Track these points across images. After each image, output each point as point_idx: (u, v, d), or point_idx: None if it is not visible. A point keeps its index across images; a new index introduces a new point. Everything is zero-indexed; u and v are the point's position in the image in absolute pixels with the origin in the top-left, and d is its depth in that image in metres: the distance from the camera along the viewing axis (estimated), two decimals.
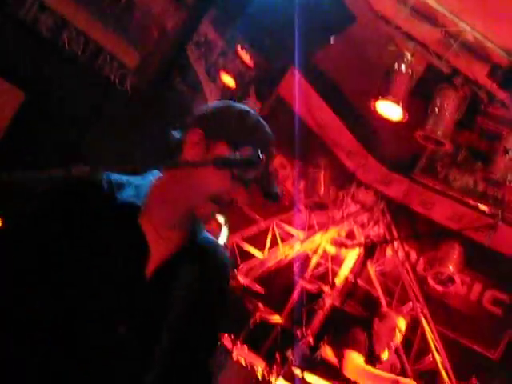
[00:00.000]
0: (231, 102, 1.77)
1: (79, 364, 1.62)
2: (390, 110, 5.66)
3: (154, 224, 1.69)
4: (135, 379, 1.71)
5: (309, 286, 5.69)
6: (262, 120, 1.71)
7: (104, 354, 1.66)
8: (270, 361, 5.05)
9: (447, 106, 5.57)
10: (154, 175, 1.73)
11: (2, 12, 3.78)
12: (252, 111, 1.70)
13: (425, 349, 6.09)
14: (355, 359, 5.05)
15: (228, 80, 5.79)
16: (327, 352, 5.20)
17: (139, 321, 1.72)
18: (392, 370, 5.24)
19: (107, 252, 1.67)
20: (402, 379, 4.92)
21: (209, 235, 1.88)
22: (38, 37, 4.00)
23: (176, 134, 1.73)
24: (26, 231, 1.65)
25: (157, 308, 1.73)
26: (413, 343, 6.12)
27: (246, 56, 5.75)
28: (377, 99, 5.59)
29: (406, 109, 5.53)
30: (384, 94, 5.55)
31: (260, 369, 4.88)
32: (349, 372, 5.02)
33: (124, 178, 1.73)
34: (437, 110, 5.60)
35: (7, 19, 3.81)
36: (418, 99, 5.81)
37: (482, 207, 6.35)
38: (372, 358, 5.10)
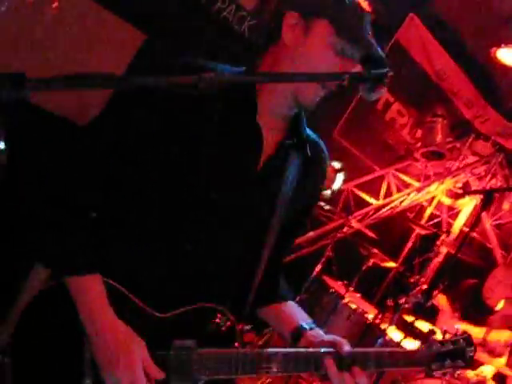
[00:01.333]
0: None
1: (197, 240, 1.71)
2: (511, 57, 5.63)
3: (264, 115, 1.72)
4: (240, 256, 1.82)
5: (424, 233, 5.60)
6: None
7: (216, 234, 1.75)
8: (381, 307, 5.12)
9: None
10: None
11: None
12: None
13: None
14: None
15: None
16: (441, 301, 5.18)
17: (245, 217, 1.79)
18: (504, 320, 5.12)
19: (226, 143, 1.72)
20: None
21: (310, 131, 1.92)
22: None
23: (271, 24, 1.72)
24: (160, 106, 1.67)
25: (263, 197, 1.80)
26: None
27: (363, 2, 5.58)
28: (498, 47, 5.52)
29: None
30: (506, 41, 5.46)
31: (371, 315, 4.99)
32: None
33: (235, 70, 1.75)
34: None
35: None
36: None
37: None
38: (480, 309, 5.17)
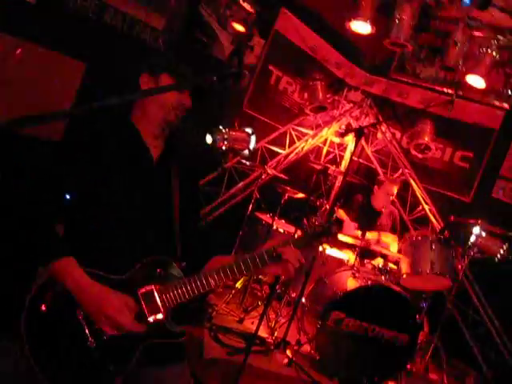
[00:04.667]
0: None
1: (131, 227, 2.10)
2: (361, 27, 6.41)
3: (148, 138, 2.23)
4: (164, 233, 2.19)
5: (320, 167, 6.33)
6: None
7: (140, 222, 2.13)
8: (300, 226, 5.39)
9: (405, 16, 6.23)
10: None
11: (54, 3, 4.08)
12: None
13: (416, 202, 7.07)
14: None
15: (237, 26, 6.48)
16: (340, 213, 6.13)
17: (154, 195, 2.19)
18: (390, 215, 6.35)
19: (125, 155, 2.15)
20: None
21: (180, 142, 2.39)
22: (86, 19, 4.41)
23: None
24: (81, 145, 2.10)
25: (163, 185, 2.21)
26: (407, 199, 7.14)
27: (247, 5, 6.45)
28: (350, 20, 6.40)
29: (373, 24, 6.29)
30: (355, 15, 6.33)
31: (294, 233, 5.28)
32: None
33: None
34: (397, 20, 6.26)
35: (58, 9, 4.17)
36: (383, 15, 6.42)
37: (444, 89, 7.11)
38: (371, 213, 6.25)
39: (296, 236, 2.24)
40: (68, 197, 2.07)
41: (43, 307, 1.94)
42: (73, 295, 1.92)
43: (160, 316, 1.99)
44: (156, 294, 2.00)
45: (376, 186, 6.30)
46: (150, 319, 1.99)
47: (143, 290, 2.00)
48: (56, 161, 2.06)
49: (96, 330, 1.94)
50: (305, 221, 5.77)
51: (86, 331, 1.94)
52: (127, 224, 2.07)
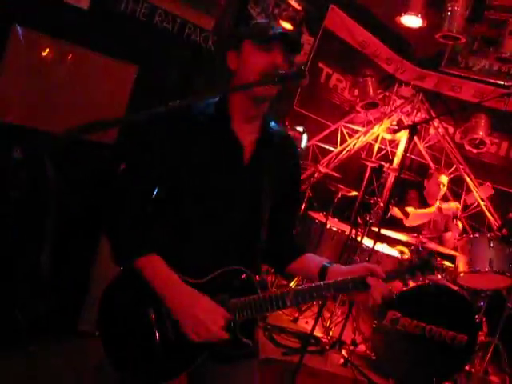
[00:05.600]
0: None
1: (212, 226, 2.01)
2: (412, 21, 6.36)
3: (238, 123, 2.03)
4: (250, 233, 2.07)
5: (374, 165, 6.10)
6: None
7: (226, 218, 2.02)
8: (355, 225, 5.76)
9: (457, 8, 6.12)
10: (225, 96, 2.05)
11: (105, 8, 4.02)
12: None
13: None
14: (411, 212, 6.05)
15: (286, 25, 6.28)
16: (395, 211, 6.13)
17: (245, 196, 2.05)
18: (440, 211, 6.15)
19: (217, 153, 2.02)
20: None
21: (280, 128, 2.21)
22: (137, 22, 4.30)
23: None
24: (160, 144, 2.00)
25: (256, 184, 2.05)
26: (461, 196, 7.07)
27: (295, 3, 6.34)
28: (400, 15, 6.36)
29: (424, 17, 6.23)
30: (405, 9, 6.29)
31: (348, 232, 5.55)
32: (408, 221, 6.03)
33: (202, 103, 2.04)
34: (449, 12, 6.15)
35: (110, 14, 4.09)
36: (434, 8, 6.36)
37: (499, 82, 6.86)
38: (426, 207, 6.15)
39: (392, 270, 2.03)
40: (156, 191, 2.06)
41: (114, 303, 1.98)
42: (157, 293, 1.89)
43: (228, 328, 1.92)
44: (230, 305, 1.94)
45: (426, 180, 6.25)
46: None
47: (216, 298, 1.93)
48: (143, 152, 2.04)
49: (165, 328, 1.92)
50: (359, 220, 6.08)
51: (155, 329, 1.93)
52: (212, 227, 2.01)
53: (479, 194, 6.85)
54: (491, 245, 4.94)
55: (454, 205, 6.20)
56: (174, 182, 2.01)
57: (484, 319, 5.37)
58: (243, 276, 1.98)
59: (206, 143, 2.00)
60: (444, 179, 6.20)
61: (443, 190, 6.22)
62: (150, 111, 1.45)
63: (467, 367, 5.11)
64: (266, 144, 2.08)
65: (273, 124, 2.13)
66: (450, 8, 6.23)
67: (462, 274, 5.02)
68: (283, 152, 2.16)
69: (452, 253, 5.36)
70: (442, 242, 5.99)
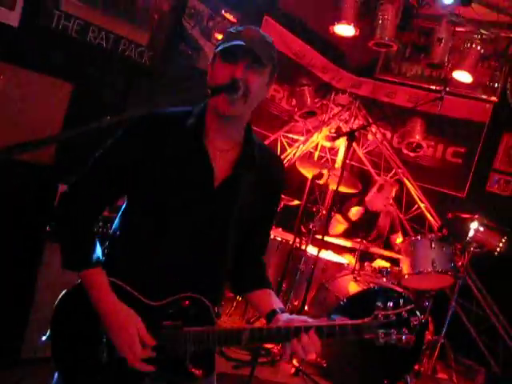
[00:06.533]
0: None
1: (172, 238, 1.90)
2: (345, 30, 6.45)
3: (213, 141, 1.89)
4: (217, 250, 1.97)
5: (315, 173, 5.88)
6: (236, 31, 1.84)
7: (191, 234, 1.91)
8: (298, 234, 5.69)
9: (388, 16, 6.29)
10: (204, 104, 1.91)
11: (36, 24, 3.97)
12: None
13: (411, 201, 7.03)
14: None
15: (220, 37, 6.64)
16: (338, 218, 6.19)
17: (211, 221, 1.92)
18: (388, 216, 6.32)
19: (184, 168, 1.88)
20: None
21: (264, 144, 2.07)
22: (70, 39, 4.25)
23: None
24: (127, 148, 1.88)
25: (224, 210, 1.93)
26: (402, 199, 7.06)
27: (229, 16, 6.34)
28: (333, 24, 6.43)
29: (357, 26, 6.34)
30: (338, 19, 6.37)
31: (292, 241, 5.46)
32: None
33: (184, 110, 1.92)
34: (380, 21, 6.32)
35: (41, 30, 4.05)
36: (366, 17, 6.51)
37: (432, 87, 7.12)
38: (370, 215, 6.18)
39: (362, 320, 1.86)
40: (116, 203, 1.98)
41: (67, 311, 1.92)
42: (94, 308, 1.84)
43: (178, 356, 1.86)
44: (181, 332, 1.85)
45: (376, 190, 6.23)
46: (167, 356, 1.87)
47: (169, 325, 1.86)
48: (103, 160, 1.92)
49: (111, 345, 1.85)
50: (303, 228, 5.92)
51: (103, 344, 1.87)
52: (172, 249, 1.91)
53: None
54: (433, 245, 5.04)
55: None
56: (135, 194, 1.93)
57: (430, 319, 5.45)
58: (202, 305, 1.92)
59: (177, 157, 1.88)
60: (393, 192, 6.26)
61: (390, 202, 6.32)
62: (85, 127, 1.37)
63: (416, 367, 5.16)
64: (245, 167, 1.93)
65: (259, 143, 2.00)
66: (381, 17, 6.37)
67: (406, 276, 5.10)
68: (265, 174, 2.01)
69: (396, 256, 5.45)
70: (389, 244, 6.11)
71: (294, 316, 1.94)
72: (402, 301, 1.86)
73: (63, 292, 1.93)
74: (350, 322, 1.86)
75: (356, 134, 4.82)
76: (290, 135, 7.51)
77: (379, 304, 1.87)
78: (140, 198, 1.92)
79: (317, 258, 4.82)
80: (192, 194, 1.89)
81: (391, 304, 1.83)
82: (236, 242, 2.01)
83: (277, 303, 2.04)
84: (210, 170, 1.88)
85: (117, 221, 2.02)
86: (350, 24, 6.43)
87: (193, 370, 1.89)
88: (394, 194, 6.25)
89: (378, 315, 1.81)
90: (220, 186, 1.90)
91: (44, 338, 1.90)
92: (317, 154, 7.91)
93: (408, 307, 1.82)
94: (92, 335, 1.86)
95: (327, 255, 5.79)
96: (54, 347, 1.89)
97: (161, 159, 1.86)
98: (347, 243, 5.48)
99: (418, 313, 1.82)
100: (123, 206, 2.01)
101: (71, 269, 1.86)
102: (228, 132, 1.91)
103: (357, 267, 5.25)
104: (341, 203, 6.51)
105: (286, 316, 1.94)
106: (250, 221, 2.02)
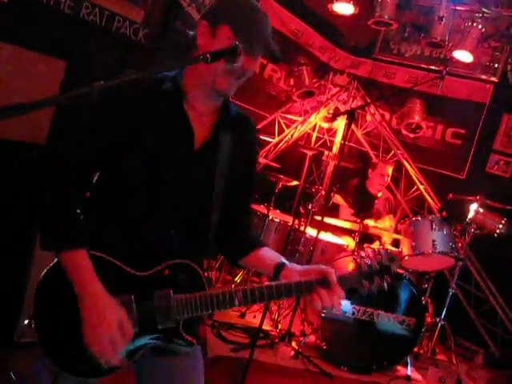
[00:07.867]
0: None
1: (156, 208, 1.88)
2: (344, 8, 6.47)
3: (192, 104, 1.89)
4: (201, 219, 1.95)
5: (313, 153, 6.09)
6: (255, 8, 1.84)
7: (176, 198, 1.90)
8: (297, 215, 5.70)
9: None
10: (182, 70, 1.90)
11: (26, 0, 3.88)
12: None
13: (410, 182, 6.98)
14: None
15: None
16: (337, 198, 6.06)
17: (195, 184, 1.92)
18: (387, 201, 6.27)
19: (164, 131, 1.86)
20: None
21: (236, 107, 2.04)
22: (63, 15, 4.19)
23: (191, 32, 1.86)
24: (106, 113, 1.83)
25: (206, 171, 1.93)
26: (400, 180, 7.03)
27: None
28: (332, 2, 6.49)
29: (356, 4, 6.39)
30: None
31: (291, 222, 5.40)
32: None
33: (160, 75, 1.88)
34: None
35: (33, 6, 3.97)
36: None
37: (431, 67, 7.05)
38: (366, 198, 6.15)
39: (347, 272, 1.87)
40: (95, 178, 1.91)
41: (49, 288, 1.85)
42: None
43: (171, 325, 1.84)
44: (172, 300, 1.83)
45: (370, 170, 6.20)
46: (159, 326, 1.84)
47: (160, 293, 1.84)
48: (78, 134, 1.87)
49: None
50: (301, 209, 5.90)
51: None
52: (158, 216, 1.89)
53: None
54: (433, 227, 4.98)
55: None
56: (117, 162, 1.86)
57: (429, 301, 5.41)
58: (191, 270, 1.90)
59: (156, 122, 1.86)
60: (389, 170, 6.16)
61: (387, 180, 6.21)
62: (76, 91, 1.31)
63: (416, 349, 5.14)
64: (223, 128, 1.95)
65: (232, 106, 2.01)
66: None
67: (406, 258, 5.05)
68: (241, 136, 2.03)
69: (395, 236, 5.38)
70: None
71: (307, 266, 1.93)
72: (383, 251, 1.90)
73: (44, 271, 1.86)
74: (342, 275, 1.87)
75: (355, 114, 4.66)
76: (288, 116, 7.46)
77: (362, 254, 1.91)
78: (123, 170, 1.86)
79: (316, 240, 4.73)
80: (174, 157, 1.87)
81: (371, 253, 1.89)
82: (222, 206, 1.99)
83: (279, 257, 2.03)
84: (190, 131, 1.88)
85: (93, 196, 1.95)
86: (348, 2, 6.41)
87: (187, 336, 1.88)
88: (390, 173, 6.16)
89: (361, 266, 1.86)
90: (200, 148, 1.91)
91: (26, 321, 1.86)
92: (315, 135, 7.88)
93: (389, 254, 1.86)
94: (77, 314, 1.78)
95: (326, 237, 5.72)
96: (39, 328, 1.83)
97: (143, 126, 1.84)
98: (346, 224, 5.39)
99: (395, 257, 1.87)
100: (96, 181, 1.95)
101: (51, 249, 1.80)
102: (211, 100, 1.92)
103: (356, 249, 5.19)
104: (341, 184, 6.32)
105: (298, 267, 1.94)
106: (233, 183, 2.00)
